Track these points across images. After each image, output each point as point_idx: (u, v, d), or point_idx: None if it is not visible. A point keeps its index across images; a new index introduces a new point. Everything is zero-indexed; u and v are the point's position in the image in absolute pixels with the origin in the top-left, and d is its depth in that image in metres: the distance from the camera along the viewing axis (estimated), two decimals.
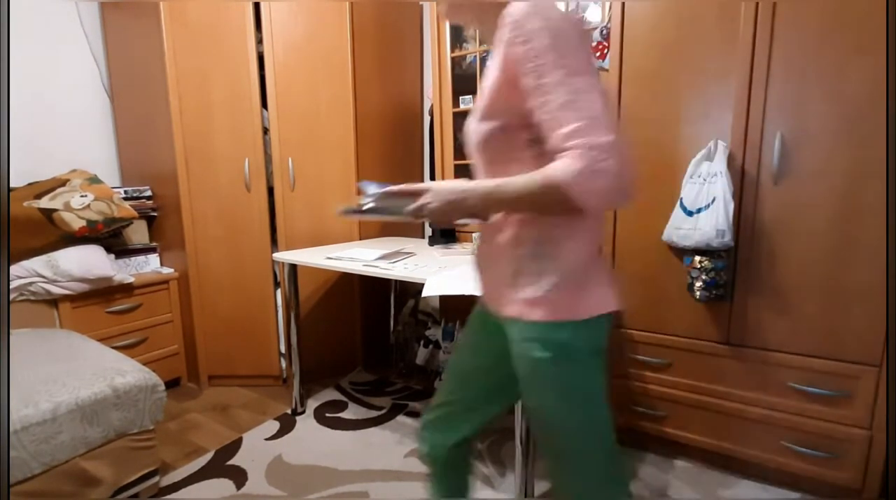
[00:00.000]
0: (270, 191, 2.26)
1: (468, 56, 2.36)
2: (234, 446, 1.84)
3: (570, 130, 0.67)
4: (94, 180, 2.19)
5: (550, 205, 0.74)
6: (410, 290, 2.82)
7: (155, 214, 2.38)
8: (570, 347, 0.80)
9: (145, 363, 1.62)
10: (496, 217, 0.86)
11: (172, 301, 2.33)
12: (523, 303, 0.82)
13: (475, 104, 0.88)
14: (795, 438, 1.48)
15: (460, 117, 2.44)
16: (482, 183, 0.79)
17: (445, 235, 2.23)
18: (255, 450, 1.81)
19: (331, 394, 2.29)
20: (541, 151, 0.76)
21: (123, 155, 2.51)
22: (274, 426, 1.99)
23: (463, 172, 2.43)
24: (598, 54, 1.90)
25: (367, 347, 2.59)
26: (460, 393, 1.09)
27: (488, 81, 0.83)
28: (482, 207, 0.80)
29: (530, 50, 0.71)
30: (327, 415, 2.08)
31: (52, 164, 2.24)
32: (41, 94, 2.26)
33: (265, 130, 2.22)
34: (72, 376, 1.39)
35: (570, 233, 0.80)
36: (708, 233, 1.45)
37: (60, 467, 1.30)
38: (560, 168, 0.68)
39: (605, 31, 1.86)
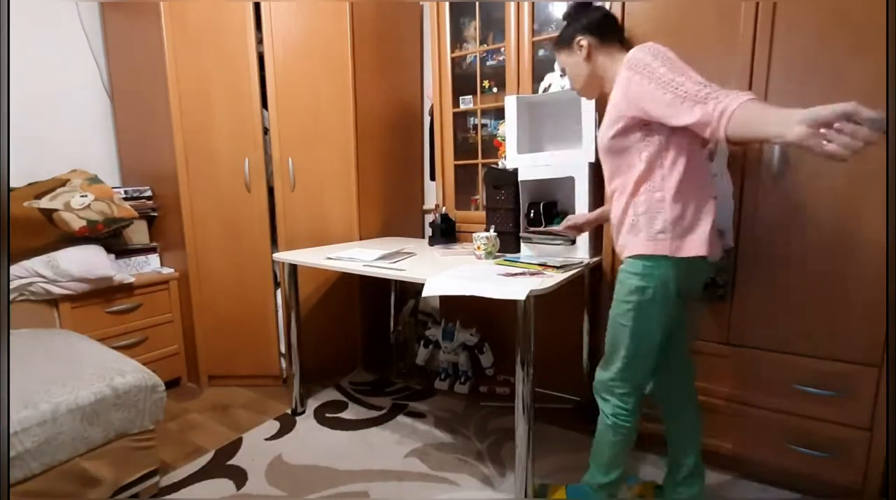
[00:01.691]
0: (270, 191, 2.26)
1: (468, 56, 2.36)
2: (234, 446, 1.84)
3: (708, 91, 1.03)
4: (94, 180, 2.19)
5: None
6: (410, 290, 2.82)
7: (155, 214, 2.38)
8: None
9: (145, 363, 1.62)
10: None
11: (172, 301, 2.33)
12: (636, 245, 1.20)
13: (602, 129, 1.26)
14: (795, 438, 1.48)
15: (460, 117, 2.45)
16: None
17: (445, 235, 2.23)
18: (255, 450, 1.81)
19: (331, 394, 2.29)
20: (646, 142, 1.16)
21: (123, 155, 2.51)
22: (274, 426, 1.99)
23: (463, 171, 2.44)
24: None
25: (367, 347, 2.59)
26: None
27: (615, 109, 1.20)
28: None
29: (657, 71, 1.09)
30: (327, 415, 2.08)
31: (52, 164, 2.24)
32: (41, 93, 2.26)
33: (265, 130, 2.22)
34: (72, 376, 1.39)
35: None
36: None
37: (60, 467, 1.30)
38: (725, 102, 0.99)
39: None
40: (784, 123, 0.94)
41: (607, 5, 1.90)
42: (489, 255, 1.77)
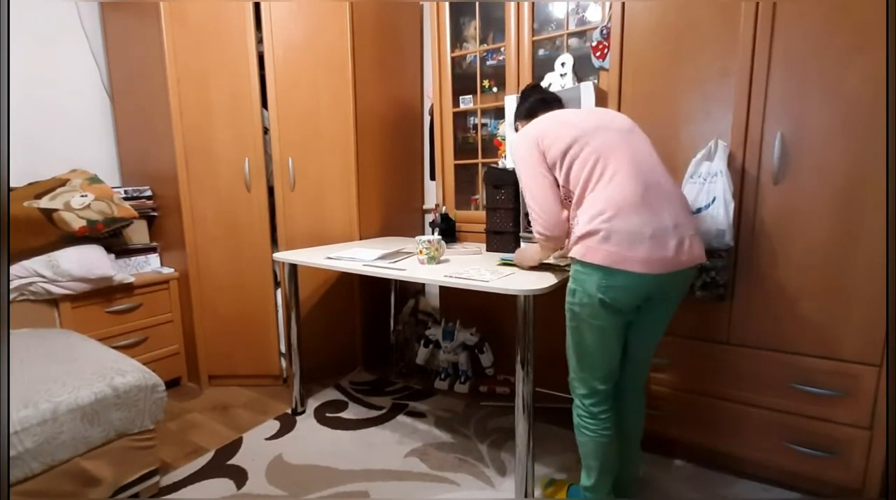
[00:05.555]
0: (270, 191, 2.27)
1: (468, 56, 2.36)
2: (235, 445, 1.84)
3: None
4: (94, 180, 2.19)
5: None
6: (410, 290, 2.82)
7: (155, 214, 2.38)
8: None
9: (145, 363, 1.62)
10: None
11: (172, 301, 2.33)
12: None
13: None
14: (795, 438, 1.48)
15: (460, 117, 2.45)
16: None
17: (445, 235, 2.23)
18: (256, 450, 1.81)
19: (331, 394, 2.29)
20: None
21: (123, 155, 2.51)
22: (274, 425, 1.99)
23: (462, 171, 2.44)
24: (597, 54, 1.90)
25: (367, 347, 2.59)
26: None
27: None
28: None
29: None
30: (327, 415, 2.08)
31: (52, 164, 2.25)
32: (41, 94, 2.26)
33: (265, 130, 2.22)
34: (72, 375, 1.39)
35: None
36: (708, 233, 1.45)
37: (60, 466, 1.30)
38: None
39: (605, 31, 1.86)
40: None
41: (608, 5, 1.91)
42: (432, 260, 1.68)
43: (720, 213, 1.44)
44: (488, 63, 2.30)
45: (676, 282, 1.22)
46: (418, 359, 2.40)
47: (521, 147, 1.33)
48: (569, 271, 1.51)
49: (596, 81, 1.95)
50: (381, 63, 2.46)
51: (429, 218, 2.72)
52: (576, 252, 1.19)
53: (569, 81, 1.99)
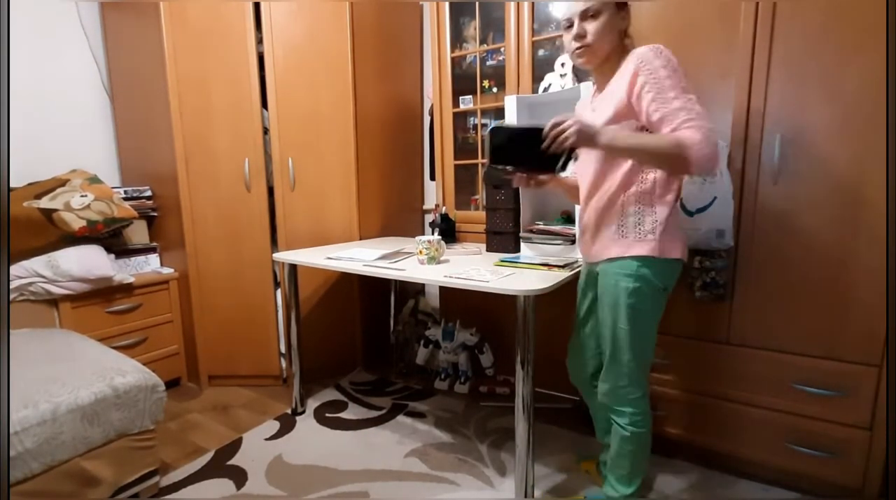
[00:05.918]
0: (270, 191, 2.26)
1: (468, 56, 2.36)
2: (234, 446, 1.84)
3: (692, 116, 1.05)
4: (94, 180, 2.19)
5: (669, 160, 1.09)
6: (410, 290, 2.82)
7: (155, 214, 2.38)
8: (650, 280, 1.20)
9: (145, 363, 1.62)
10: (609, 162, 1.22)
11: (172, 301, 2.33)
12: (624, 245, 1.21)
13: (595, 114, 1.24)
14: (795, 438, 1.48)
15: (460, 117, 2.45)
16: (620, 129, 1.16)
17: (445, 236, 2.23)
18: (255, 450, 1.81)
19: (331, 394, 2.29)
20: None
21: (123, 155, 2.51)
22: (274, 425, 1.99)
23: (463, 171, 2.44)
24: None
25: (367, 347, 2.59)
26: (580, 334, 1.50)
27: (615, 97, 1.18)
28: (612, 144, 1.12)
29: (659, 73, 1.09)
30: (327, 415, 2.08)
31: (52, 164, 2.24)
32: (41, 94, 2.26)
33: (265, 130, 2.22)
34: (72, 376, 1.39)
35: (663, 193, 1.19)
36: (708, 233, 1.45)
37: (60, 467, 1.30)
38: (687, 135, 1.04)
39: None
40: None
41: None
42: (432, 260, 1.68)
43: (720, 213, 1.44)
44: (488, 63, 2.30)
45: None
46: (418, 359, 2.40)
47: (673, 61, 1.11)
48: (567, 271, 1.51)
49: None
50: (381, 63, 2.46)
51: (429, 218, 2.72)
52: (670, 249, 1.19)
53: (569, 82, 1.99)
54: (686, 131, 1.04)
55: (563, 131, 1.07)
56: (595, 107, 1.26)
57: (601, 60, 1.22)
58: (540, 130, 1.10)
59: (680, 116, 1.05)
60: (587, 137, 1.09)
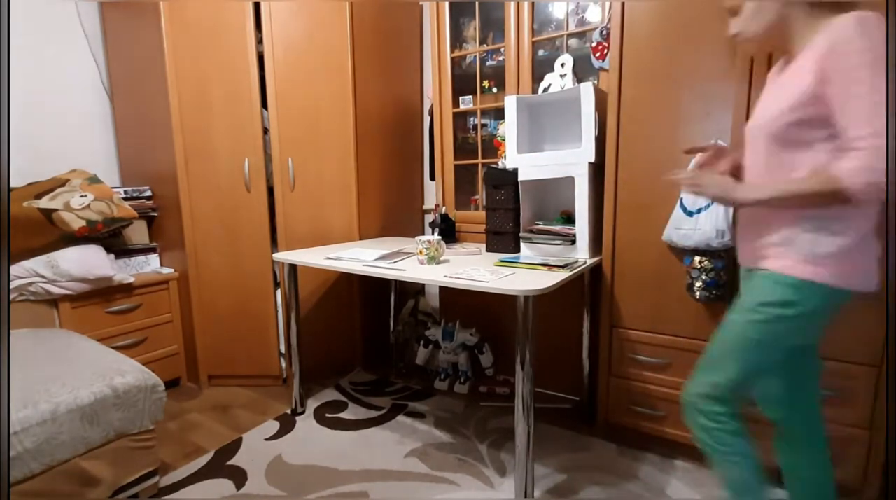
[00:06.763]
0: (270, 191, 2.26)
1: (468, 56, 2.36)
2: (234, 446, 1.84)
3: (869, 131, 0.85)
4: (93, 180, 2.19)
5: (825, 200, 0.92)
6: (410, 290, 2.82)
7: (155, 214, 2.38)
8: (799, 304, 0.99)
9: (145, 363, 1.62)
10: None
11: (172, 301, 2.33)
12: (788, 259, 1.00)
13: (773, 97, 1.03)
14: None
15: (460, 117, 2.45)
16: (757, 187, 1.02)
17: (445, 236, 2.23)
18: (255, 450, 1.81)
19: (331, 394, 2.29)
20: (833, 145, 0.92)
21: (123, 155, 2.52)
22: (274, 426, 1.99)
23: (463, 171, 2.44)
24: (597, 54, 1.90)
25: (367, 347, 2.59)
26: None
27: (796, 83, 0.96)
28: (755, 201, 1.01)
29: (852, 59, 0.86)
30: (327, 415, 2.08)
31: (52, 164, 2.25)
32: (41, 94, 2.26)
33: (265, 130, 2.22)
34: (71, 376, 1.39)
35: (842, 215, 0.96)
36: (708, 233, 1.45)
37: (60, 467, 1.30)
38: (844, 167, 0.87)
39: (605, 32, 1.86)
40: None
41: (608, 5, 1.91)
42: (432, 260, 1.68)
43: (720, 213, 1.44)
44: (488, 63, 2.31)
45: None
46: (418, 359, 2.40)
47: (879, 45, 0.86)
48: (568, 271, 1.51)
49: (596, 82, 1.95)
50: (380, 63, 2.46)
51: (429, 218, 2.73)
52: (839, 277, 0.97)
53: (568, 82, 1.99)
54: (845, 160, 0.87)
55: (698, 188, 1.05)
56: (781, 83, 1.01)
57: (767, 43, 1.06)
58: None
59: (862, 127, 0.86)
60: (721, 200, 1.05)
